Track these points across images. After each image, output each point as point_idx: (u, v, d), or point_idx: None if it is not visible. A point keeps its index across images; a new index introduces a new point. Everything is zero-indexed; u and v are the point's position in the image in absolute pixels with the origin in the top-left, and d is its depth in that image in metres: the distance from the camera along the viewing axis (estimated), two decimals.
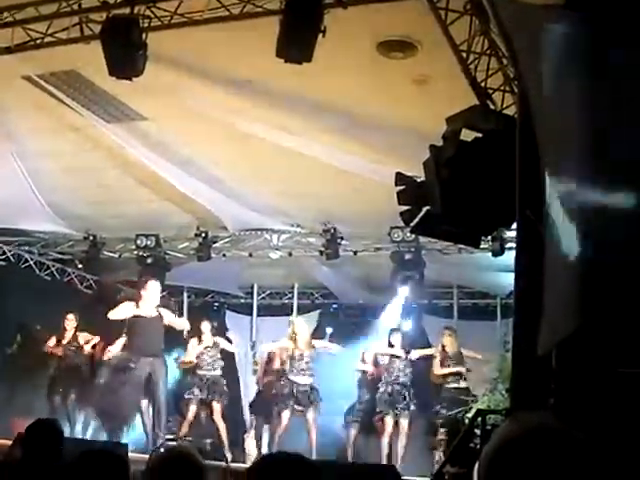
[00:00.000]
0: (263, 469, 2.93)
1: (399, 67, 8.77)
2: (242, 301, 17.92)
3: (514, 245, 7.43)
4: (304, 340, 13.21)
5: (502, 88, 8.26)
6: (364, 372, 13.89)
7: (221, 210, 13.23)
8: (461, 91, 8.29)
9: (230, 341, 14.64)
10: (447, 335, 13.47)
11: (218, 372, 13.58)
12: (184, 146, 11.30)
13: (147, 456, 9.42)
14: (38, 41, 8.43)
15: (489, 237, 11.51)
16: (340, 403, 13.94)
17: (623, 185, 3.88)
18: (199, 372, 13.49)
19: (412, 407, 13.07)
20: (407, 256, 13.49)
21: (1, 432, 10.66)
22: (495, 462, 1.95)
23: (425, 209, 8.09)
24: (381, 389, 13.24)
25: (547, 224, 4.37)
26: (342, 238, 13.92)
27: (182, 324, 13.50)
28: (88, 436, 12.72)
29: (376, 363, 13.73)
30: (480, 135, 7.59)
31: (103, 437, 12.53)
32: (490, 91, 8.30)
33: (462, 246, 11.95)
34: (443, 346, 13.39)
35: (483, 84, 8.26)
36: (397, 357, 13.32)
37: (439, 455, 12.13)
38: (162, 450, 4.20)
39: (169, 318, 13.00)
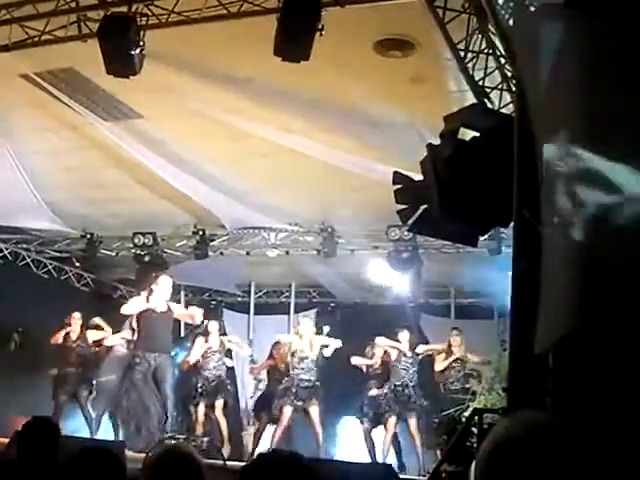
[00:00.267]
0: (255, 469, 2.93)
1: (397, 66, 8.77)
2: (239, 299, 17.92)
3: (511, 244, 7.42)
4: (308, 340, 13.16)
5: (500, 87, 8.27)
6: (369, 367, 13.86)
7: (218, 208, 13.23)
8: (459, 90, 8.30)
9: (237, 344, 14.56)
10: (455, 335, 13.42)
11: (223, 373, 13.55)
12: (182, 144, 11.30)
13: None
14: (36, 39, 8.43)
15: (486, 236, 11.50)
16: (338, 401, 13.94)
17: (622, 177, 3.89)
18: (204, 373, 13.44)
19: (420, 405, 13.03)
20: (404, 255, 13.49)
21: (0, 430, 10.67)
22: (492, 461, 1.95)
23: (422, 208, 8.08)
24: (386, 389, 13.22)
25: (544, 223, 4.37)
26: (339, 237, 13.93)
27: (193, 315, 13.12)
28: (100, 434, 12.76)
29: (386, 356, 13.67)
30: (478, 134, 7.59)
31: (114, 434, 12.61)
32: (488, 90, 8.31)
33: (459, 245, 11.93)
34: (450, 345, 13.35)
35: (481, 83, 8.26)
36: (404, 354, 13.29)
37: (437, 453, 12.14)
38: (159, 448, 4.18)
39: (179, 312, 12.96)
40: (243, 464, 3.12)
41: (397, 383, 13.15)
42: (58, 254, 16.08)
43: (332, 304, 17.32)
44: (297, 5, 7.34)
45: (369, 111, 9.56)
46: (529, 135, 5.15)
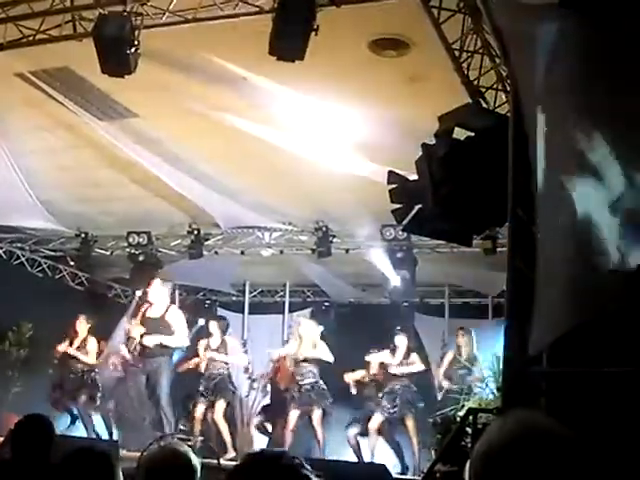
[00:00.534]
0: (238, 470, 2.93)
1: (392, 65, 8.78)
2: (234, 299, 17.91)
3: (506, 244, 7.42)
4: (309, 342, 13.11)
5: (495, 86, 8.28)
6: (361, 384, 13.82)
7: (213, 207, 13.22)
8: (454, 89, 8.30)
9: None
10: (461, 335, 13.32)
11: (225, 371, 13.51)
12: (176, 143, 11.29)
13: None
14: (31, 38, 8.43)
15: (481, 236, 11.50)
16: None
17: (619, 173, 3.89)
18: (206, 373, 13.38)
19: (416, 407, 13.01)
20: (399, 254, 13.49)
21: None
22: (486, 461, 1.95)
23: (417, 207, 8.09)
24: (380, 395, 13.19)
25: (539, 224, 4.38)
26: (334, 236, 13.93)
27: (178, 339, 12.56)
28: (94, 434, 12.76)
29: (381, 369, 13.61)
30: (473, 133, 7.59)
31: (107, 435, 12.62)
32: (483, 89, 8.32)
33: (454, 245, 11.93)
34: (458, 347, 13.29)
35: (476, 82, 8.28)
36: (398, 361, 13.25)
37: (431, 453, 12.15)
38: (154, 448, 4.18)
39: (172, 320, 12.48)
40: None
41: (392, 388, 13.12)
42: (53, 253, 16.06)
43: (326, 303, 17.30)
44: (292, 4, 7.34)
45: (363, 110, 9.55)
46: (524, 135, 5.16)
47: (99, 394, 13.29)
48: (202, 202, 12.97)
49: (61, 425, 12.64)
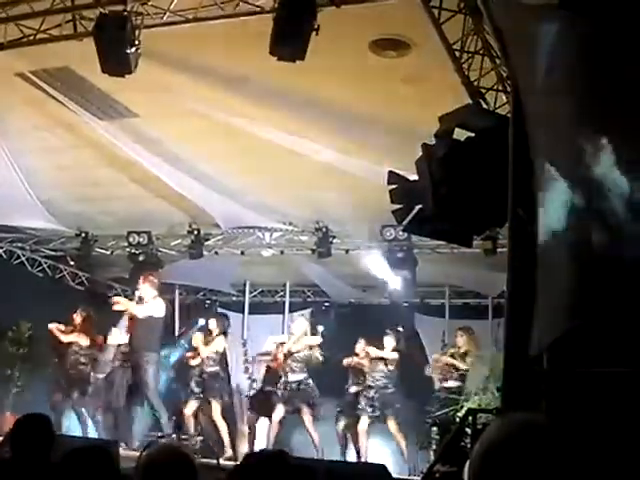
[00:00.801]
0: (241, 470, 2.93)
1: (392, 66, 8.77)
2: (234, 299, 17.90)
3: (506, 244, 7.42)
4: (297, 338, 13.19)
5: (495, 87, 8.28)
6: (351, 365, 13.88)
7: (213, 208, 13.22)
8: (454, 90, 8.29)
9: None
10: (459, 336, 13.34)
11: (217, 367, 13.51)
12: (177, 143, 11.29)
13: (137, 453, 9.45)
14: (31, 38, 8.42)
15: (481, 236, 11.50)
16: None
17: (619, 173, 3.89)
18: (204, 370, 13.38)
19: (399, 407, 13.05)
20: (399, 255, 13.50)
21: None
22: (485, 461, 1.95)
23: (417, 208, 8.09)
24: (363, 390, 13.23)
25: (539, 224, 4.38)
26: (334, 237, 13.93)
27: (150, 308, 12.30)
28: (89, 433, 12.75)
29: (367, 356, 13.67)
30: (473, 134, 7.59)
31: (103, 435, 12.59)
32: (483, 90, 8.32)
33: (454, 245, 11.93)
34: (458, 348, 13.29)
35: (476, 83, 8.27)
36: (384, 359, 13.28)
37: (430, 453, 12.16)
38: (153, 448, 4.18)
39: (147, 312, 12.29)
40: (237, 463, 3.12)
41: (374, 385, 13.15)
42: (53, 253, 16.07)
43: (327, 303, 17.31)
44: (293, 5, 7.34)
45: (363, 110, 9.56)
46: (524, 135, 5.16)
47: (90, 389, 13.31)
48: (202, 202, 12.97)
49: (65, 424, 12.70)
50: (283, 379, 13.00)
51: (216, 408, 13.03)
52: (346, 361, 13.82)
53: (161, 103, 10.05)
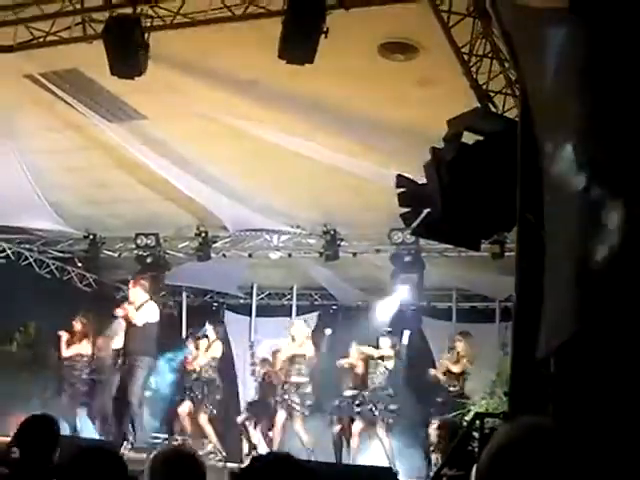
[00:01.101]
0: (251, 472, 2.93)
1: (400, 69, 8.78)
2: (241, 301, 17.92)
3: (514, 248, 7.42)
4: (299, 343, 13.21)
5: (504, 91, 8.27)
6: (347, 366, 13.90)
7: (221, 210, 13.24)
8: (463, 93, 8.29)
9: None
10: (458, 341, 13.37)
11: (213, 374, 13.56)
12: (185, 146, 11.31)
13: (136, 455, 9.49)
14: (41, 40, 8.44)
15: (489, 240, 11.49)
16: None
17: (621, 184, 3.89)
18: (200, 376, 13.48)
19: (392, 410, 13.05)
20: (407, 258, 13.49)
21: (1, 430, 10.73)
22: (493, 466, 1.95)
23: (425, 211, 8.08)
24: (359, 392, 13.25)
25: (547, 228, 4.37)
26: (342, 240, 13.93)
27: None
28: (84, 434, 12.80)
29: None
30: (481, 138, 7.58)
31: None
32: (492, 94, 8.31)
33: (462, 249, 11.92)
34: (458, 353, 13.30)
35: (485, 87, 8.26)
36: (380, 359, 13.31)
37: (436, 457, 12.15)
38: (160, 449, 4.18)
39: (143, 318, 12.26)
40: (242, 466, 3.13)
41: (370, 386, 13.17)
42: (61, 254, 16.11)
43: (334, 306, 17.32)
44: (302, 8, 7.34)
45: (372, 114, 9.56)
46: (532, 139, 5.15)
47: (82, 389, 13.38)
48: (210, 205, 12.98)
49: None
50: (283, 384, 13.03)
51: (204, 416, 13.11)
52: (339, 363, 13.85)
53: (170, 105, 10.07)
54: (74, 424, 13.11)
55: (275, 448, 12.51)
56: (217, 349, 13.70)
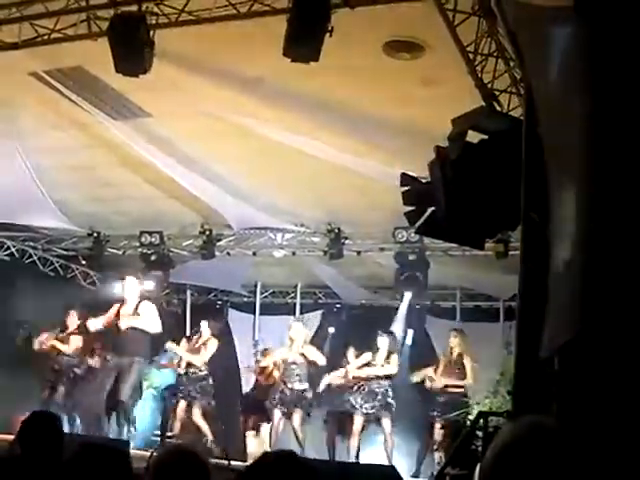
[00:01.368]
0: (257, 469, 2.92)
1: (406, 68, 8.77)
2: (245, 300, 17.89)
3: (518, 247, 7.41)
4: (298, 346, 13.17)
5: (509, 90, 8.26)
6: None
7: (226, 209, 13.23)
8: (467, 92, 8.28)
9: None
10: (453, 337, 13.37)
11: (206, 371, 13.58)
12: (189, 144, 11.31)
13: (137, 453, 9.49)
14: (45, 37, 8.44)
15: (493, 239, 11.48)
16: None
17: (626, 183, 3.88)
18: (190, 369, 13.52)
19: (392, 408, 13.02)
20: (411, 257, 13.49)
21: (3, 427, 10.73)
22: (497, 465, 1.95)
23: (430, 210, 8.09)
24: (359, 395, 13.19)
25: (551, 227, 4.37)
26: (346, 238, 13.92)
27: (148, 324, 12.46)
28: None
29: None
30: (486, 137, 7.58)
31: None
32: (497, 93, 8.30)
33: (466, 248, 11.92)
34: (451, 348, 13.29)
35: (490, 85, 8.25)
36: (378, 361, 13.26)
37: (439, 456, 12.15)
38: (163, 448, 4.18)
39: (142, 311, 12.49)
40: (246, 464, 3.13)
41: (370, 384, 13.12)
42: (65, 252, 16.11)
43: (338, 305, 17.30)
44: (307, 6, 7.33)
45: (377, 112, 9.56)
46: (537, 137, 5.15)
47: (62, 387, 13.38)
48: (215, 203, 12.98)
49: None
50: (281, 387, 13.01)
51: (197, 412, 13.14)
52: (329, 379, 13.76)
53: (174, 103, 10.07)
54: (72, 422, 13.12)
55: (270, 447, 12.50)
56: (211, 346, 13.69)
